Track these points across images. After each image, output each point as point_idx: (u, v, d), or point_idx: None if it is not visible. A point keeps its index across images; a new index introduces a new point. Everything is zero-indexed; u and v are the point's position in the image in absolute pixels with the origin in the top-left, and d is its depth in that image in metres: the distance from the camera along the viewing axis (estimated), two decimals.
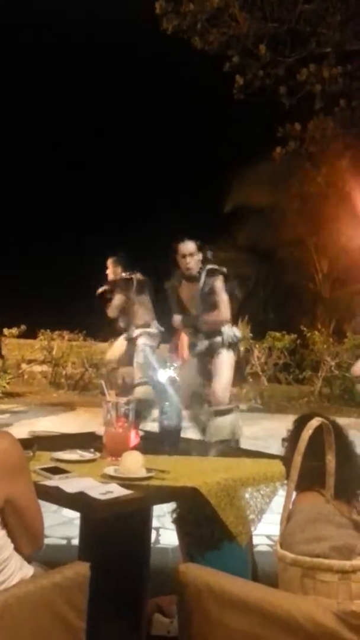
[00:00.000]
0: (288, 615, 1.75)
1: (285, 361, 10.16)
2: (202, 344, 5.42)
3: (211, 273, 5.40)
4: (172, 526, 2.96)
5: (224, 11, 12.15)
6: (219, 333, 5.43)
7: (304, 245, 14.76)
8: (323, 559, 1.89)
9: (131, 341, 6.76)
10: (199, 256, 5.42)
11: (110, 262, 7.52)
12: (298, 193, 13.86)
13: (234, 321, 11.66)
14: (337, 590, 1.87)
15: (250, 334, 10.65)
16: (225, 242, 15.51)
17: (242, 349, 10.87)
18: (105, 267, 7.65)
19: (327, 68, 11.85)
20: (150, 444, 2.86)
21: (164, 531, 4.23)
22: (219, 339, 5.42)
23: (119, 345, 7.22)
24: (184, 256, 5.34)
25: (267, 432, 6.50)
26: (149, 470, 2.43)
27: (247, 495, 2.47)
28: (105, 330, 8.50)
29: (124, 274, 7.03)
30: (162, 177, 16.48)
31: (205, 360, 5.43)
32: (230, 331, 5.51)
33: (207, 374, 5.49)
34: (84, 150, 16.00)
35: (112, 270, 7.42)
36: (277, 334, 10.05)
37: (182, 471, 2.50)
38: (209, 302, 5.37)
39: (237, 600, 1.86)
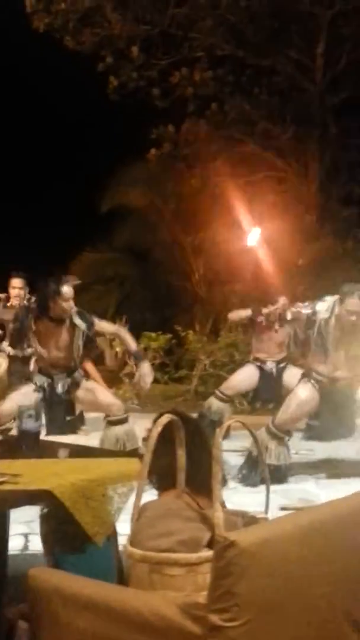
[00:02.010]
0: (135, 611, 1.76)
1: (162, 361, 10.24)
2: (66, 382, 5.47)
3: (84, 316, 5.45)
4: None
5: (96, 11, 12.12)
6: (75, 369, 5.56)
7: (181, 245, 14.92)
8: (170, 553, 1.91)
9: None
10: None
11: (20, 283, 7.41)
12: (173, 194, 14.02)
13: (113, 321, 11.66)
14: (184, 583, 1.90)
15: None
16: (102, 243, 15.45)
17: (118, 349, 10.92)
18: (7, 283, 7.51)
19: (198, 72, 12.08)
20: (8, 449, 2.80)
21: (34, 537, 4.15)
22: (77, 373, 5.55)
23: None
24: (68, 300, 5.28)
25: (144, 432, 6.50)
26: (1, 475, 2.37)
27: (103, 496, 2.45)
28: None
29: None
30: (34, 178, 16.17)
31: (64, 395, 5.50)
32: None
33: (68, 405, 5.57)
34: None
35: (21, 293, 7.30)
36: (153, 334, 10.10)
37: (37, 474, 2.46)
38: (89, 345, 5.49)
39: (86, 601, 1.85)
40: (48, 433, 5.02)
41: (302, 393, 5.57)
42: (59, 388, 5.41)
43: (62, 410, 5.45)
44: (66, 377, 5.45)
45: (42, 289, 5.32)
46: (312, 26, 12.08)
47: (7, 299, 7.60)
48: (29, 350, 5.89)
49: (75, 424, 6.01)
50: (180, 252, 14.98)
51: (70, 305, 5.29)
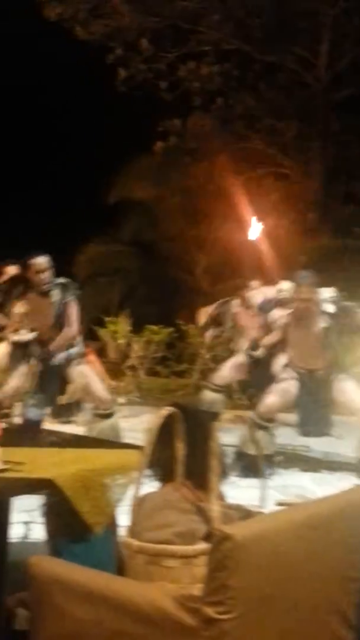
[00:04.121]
0: (130, 602, 1.79)
1: (164, 354, 10.27)
2: (61, 355, 5.47)
3: (65, 288, 5.47)
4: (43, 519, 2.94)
5: (106, 2, 12.14)
6: (71, 345, 5.54)
7: (185, 239, 14.93)
8: (167, 545, 1.95)
9: None
10: (51, 270, 5.43)
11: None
12: (178, 188, 14.04)
13: (115, 315, 11.69)
14: (180, 575, 1.93)
15: (129, 328, 10.69)
16: (107, 236, 15.45)
17: (120, 342, 10.95)
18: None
19: (205, 66, 12.10)
20: (11, 437, 2.83)
21: (34, 525, 4.19)
22: (73, 350, 5.54)
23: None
24: (42, 271, 5.32)
25: (145, 424, 6.54)
26: (4, 462, 2.41)
27: (103, 486, 2.49)
28: None
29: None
30: (41, 169, 16.19)
31: (58, 371, 5.50)
32: (81, 343, 5.69)
33: (61, 379, 5.55)
34: None
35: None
36: (155, 328, 10.13)
37: (39, 463, 2.49)
38: (62, 317, 5.45)
39: (84, 590, 1.89)
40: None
41: (280, 382, 5.60)
42: (54, 360, 5.41)
43: (54, 384, 5.44)
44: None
45: (22, 265, 5.40)
46: (317, 23, 12.10)
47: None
48: (30, 336, 5.88)
49: (71, 409, 6.02)
50: (183, 246, 14.99)
51: (45, 277, 5.30)
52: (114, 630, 1.84)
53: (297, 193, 12.87)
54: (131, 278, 15.32)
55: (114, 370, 10.83)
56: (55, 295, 5.40)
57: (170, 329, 10.11)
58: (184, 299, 14.70)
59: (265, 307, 5.98)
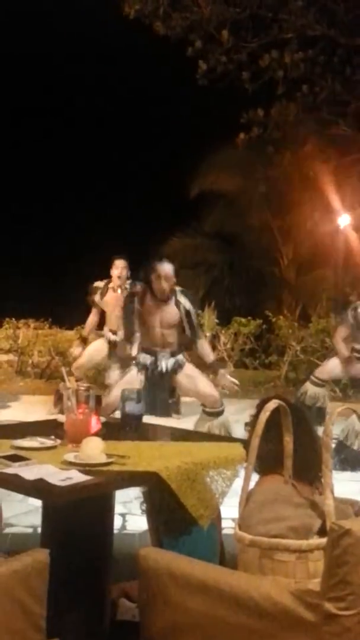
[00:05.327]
0: (246, 595, 1.77)
1: (252, 346, 10.21)
2: (170, 361, 5.37)
3: (188, 296, 5.35)
4: (139, 512, 2.96)
5: None
6: (179, 351, 5.48)
7: (270, 230, 14.83)
8: (280, 539, 1.91)
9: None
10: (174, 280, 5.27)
11: (123, 264, 7.38)
12: (263, 178, 13.91)
13: (202, 308, 11.75)
14: (294, 569, 1.90)
15: (216, 320, 10.68)
16: (191, 229, 15.52)
17: (207, 334, 10.97)
18: (110, 266, 7.46)
19: (289, 53, 11.87)
20: (112, 430, 2.85)
21: (131, 517, 4.23)
22: (181, 356, 5.45)
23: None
24: (167, 279, 5.15)
25: (234, 416, 6.53)
26: (109, 455, 2.42)
27: (207, 479, 2.47)
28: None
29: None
30: (125, 164, 16.41)
31: (167, 375, 5.44)
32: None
33: (170, 387, 5.53)
34: (43, 141, 15.80)
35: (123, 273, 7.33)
36: (243, 320, 10.08)
37: (142, 456, 2.50)
38: (181, 324, 5.31)
39: (197, 582, 1.88)
40: (148, 413, 5.02)
41: None
42: (162, 367, 5.33)
43: (163, 391, 5.39)
44: (170, 357, 5.35)
45: (145, 268, 5.24)
46: None
47: (107, 284, 7.63)
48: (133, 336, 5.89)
49: (173, 407, 6.02)
50: (269, 237, 14.88)
51: (169, 285, 5.17)
52: (227, 623, 1.83)
53: None
54: (215, 270, 15.34)
55: (203, 364, 10.82)
56: (183, 300, 5.25)
57: (259, 321, 10.03)
58: (270, 290, 14.62)
59: None
